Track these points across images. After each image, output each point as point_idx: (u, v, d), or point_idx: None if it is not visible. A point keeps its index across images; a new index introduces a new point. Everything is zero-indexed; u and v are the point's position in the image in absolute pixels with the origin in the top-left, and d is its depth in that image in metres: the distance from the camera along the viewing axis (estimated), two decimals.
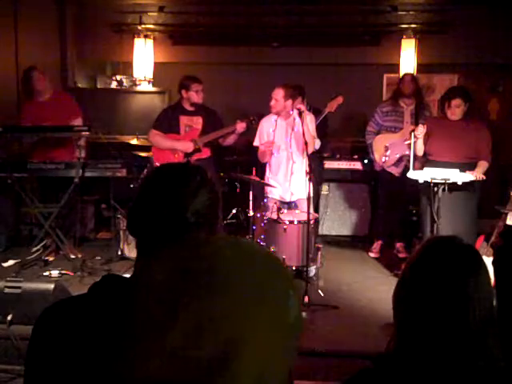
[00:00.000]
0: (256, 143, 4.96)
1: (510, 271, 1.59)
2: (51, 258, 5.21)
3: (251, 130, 5.07)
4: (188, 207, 1.15)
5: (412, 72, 6.04)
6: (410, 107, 5.44)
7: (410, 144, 5.21)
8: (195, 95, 5.06)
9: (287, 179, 4.79)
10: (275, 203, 4.67)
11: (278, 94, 4.65)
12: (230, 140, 5.16)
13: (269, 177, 4.89)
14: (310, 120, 4.79)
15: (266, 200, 4.85)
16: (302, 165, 4.68)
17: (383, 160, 5.48)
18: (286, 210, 4.67)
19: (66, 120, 5.18)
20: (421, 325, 1.26)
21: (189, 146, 5.06)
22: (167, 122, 5.13)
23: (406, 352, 1.28)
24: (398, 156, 5.41)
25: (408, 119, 5.42)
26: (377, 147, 5.55)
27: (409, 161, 5.29)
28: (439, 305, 1.25)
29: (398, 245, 5.61)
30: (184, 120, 5.12)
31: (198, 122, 5.11)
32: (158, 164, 5.09)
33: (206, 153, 5.11)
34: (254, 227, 4.63)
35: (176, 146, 5.08)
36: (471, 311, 1.24)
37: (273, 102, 4.69)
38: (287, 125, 4.76)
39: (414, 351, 1.26)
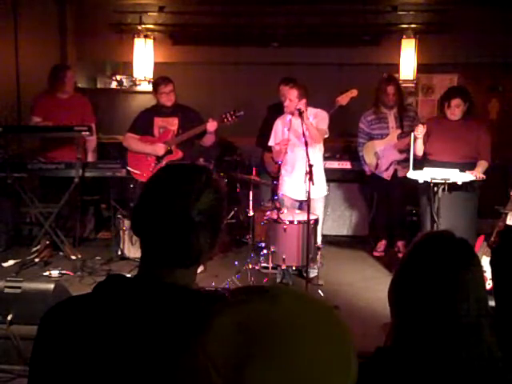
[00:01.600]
0: (271, 143, 4.95)
1: (508, 271, 1.59)
2: (46, 258, 5.21)
3: (254, 131, 5.05)
4: (192, 206, 1.16)
5: (389, 75, 5.72)
6: (393, 111, 5.44)
7: (401, 149, 5.27)
8: (163, 97, 4.95)
9: (302, 177, 4.75)
10: (277, 202, 4.65)
11: (293, 94, 4.62)
12: (207, 140, 5.02)
13: (283, 175, 4.89)
14: (323, 118, 4.77)
15: (276, 197, 4.82)
16: (318, 163, 4.69)
17: (375, 166, 5.55)
18: (297, 210, 4.67)
19: (79, 122, 5.19)
20: (416, 318, 1.28)
21: (159, 149, 4.95)
22: (142, 124, 5.04)
23: (403, 345, 1.29)
24: (390, 161, 5.47)
25: (393, 124, 5.44)
26: (367, 154, 5.59)
27: (398, 164, 5.35)
28: (433, 297, 1.26)
29: (400, 243, 5.63)
30: (158, 122, 5.02)
31: (173, 123, 5.00)
32: (130, 169, 5.03)
33: (177, 154, 4.98)
34: (262, 223, 4.64)
35: (146, 150, 4.99)
36: (465, 303, 1.25)
37: (287, 102, 4.66)
38: (301, 123, 4.74)
39: (411, 344, 1.27)
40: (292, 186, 4.81)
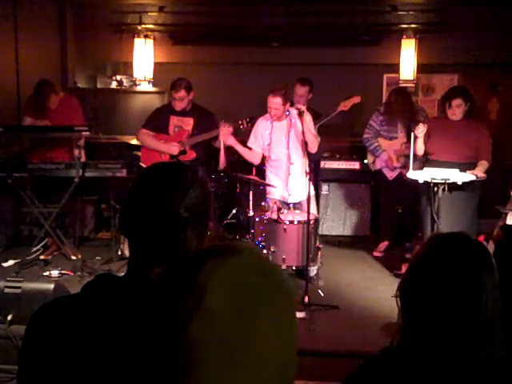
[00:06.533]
0: (250, 144, 4.91)
1: (510, 266, 1.59)
2: (48, 257, 5.21)
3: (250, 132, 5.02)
4: (180, 202, 1.16)
5: (397, 88, 5.78)
6: (402, 119, 5.46)
7: (399, 155, 5.33)
8: (173, 100, 4.96)
9: (285, 180, 4.77)
10: (275, 203, 4.65)
11: (278, 103, 4.61)
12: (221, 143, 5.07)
13: (269, 177, 4.88)
14: (310, 119, 4.78)
15: (267, 200, 4.82)
16: (300, 166, 4.66)
17: (371, 162, 5.68)
18: (285, 211, 4.66)
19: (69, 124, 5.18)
20: (430, 318, 1.26)
21: (174, 149, 4.96)
22: (157, 121, 5.05)
23: (413, 346, 1.28)
24: (384, 163, 5.57)
25: (402, 129, 5.46)
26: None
27: (404, 167, 5.36)
28: (451, 299, 1.25)
29: (408, 245, 5.61)
30: (174, 120, 5.02)
31: (188, 123, 5.01)
32: (143, 165, 5.03)
33: (191, 155, 4.99)
34: (259, 228, 4.63)
35: (161, 148, 5.00)
36: (484, 304, 1.25)
37: (274, 112, 4.64)
38: (284, 126, 4.73)
39: (421, 345, 1.26)
40: (278, 188, 4.80)
